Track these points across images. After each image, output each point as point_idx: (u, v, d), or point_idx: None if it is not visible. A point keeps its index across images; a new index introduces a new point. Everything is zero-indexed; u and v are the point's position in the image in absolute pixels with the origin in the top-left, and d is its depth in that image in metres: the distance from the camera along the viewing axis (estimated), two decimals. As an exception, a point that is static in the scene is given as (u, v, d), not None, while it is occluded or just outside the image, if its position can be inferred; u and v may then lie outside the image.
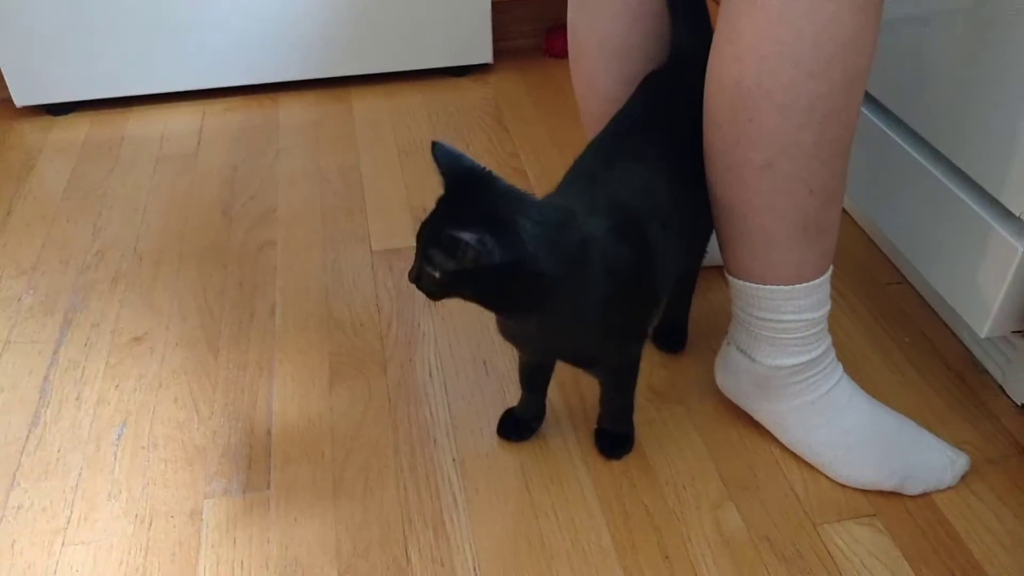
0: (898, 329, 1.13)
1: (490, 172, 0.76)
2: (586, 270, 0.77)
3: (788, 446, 0.96)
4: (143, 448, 1.00)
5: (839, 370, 0.93)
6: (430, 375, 1.09)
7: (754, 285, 0.87)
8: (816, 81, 0.74)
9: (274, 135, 1.60)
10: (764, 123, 0.77)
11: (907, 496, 0.91)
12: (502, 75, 1.78)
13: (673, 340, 1.10)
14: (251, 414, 1.04)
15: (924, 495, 0.91)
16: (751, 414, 0.98)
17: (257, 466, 0.98)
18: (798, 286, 0.86)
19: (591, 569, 0.86)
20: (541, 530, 0.90)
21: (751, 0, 0.74)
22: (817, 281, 0.86)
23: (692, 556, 0.87)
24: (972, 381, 1.05)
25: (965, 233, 0.95)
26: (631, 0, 0.94)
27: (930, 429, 0.94)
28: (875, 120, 1.10)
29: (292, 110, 1.68)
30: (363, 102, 1.70)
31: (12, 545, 0.90)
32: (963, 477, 0.92)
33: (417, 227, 0.75)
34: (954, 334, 1.11)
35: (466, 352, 1.12)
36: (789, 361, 0.90)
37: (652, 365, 1.08)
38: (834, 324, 0.98)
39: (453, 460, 0.98)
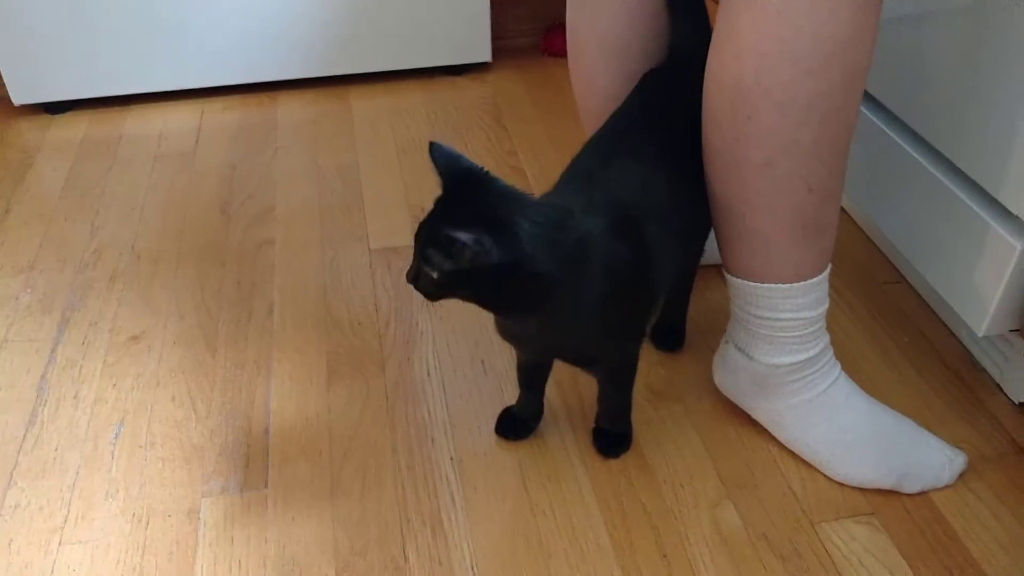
0: (896, 328, 1.13)
1: (488, 172, 0.76)
2: (584, 269, 0.77)
3: (786, 444, 0.96)
4: (140, 447, 1.00)
5: (837, 368, 0.93)
6: (428, 374, 1.09)
7: (752, 283, 0.87)
8: (815, 79, 0.74)
9: (272, 134, 1.60)
10: (763, 121, 0.77)
11: (905, 495, 0.91)
12: (501, 74, 1.78)
13: (671, 339, 1.10)
14: (249, 413, 1.04)
15: (922, 494, 0.92)
16: (749, 412, 0.98)
17: (255, 465, 0.98)
18: (796, 284, 0.86)
19: (589, 568, 0.86)
20: (539, 529, 0.90)
21: (750, -2, 0.74)
22: (815, 279, 0.86)
23: (690, 555, 0.87)
24: (970, 380, 1.05)
25: (963, 232, 0.95)
26: (630, -1, 0.94)
27: (928, 428, 0.94)
28: (874, 119, 1.10)
29: (290, 109, 1.68)
30: (362, 101, 1.70)
31: (9, 544, 0.90)
32: (961, 476, 0.92)
33: (415, 226, 0.75)
34: (952, 333, 1.11)
35: (464, 351, 1.12)
36: (787, 359, 0.90)
37: (650, 364, 1.08)
38: (832, 323, 0.98)
39: (451, 459, 0.98)
